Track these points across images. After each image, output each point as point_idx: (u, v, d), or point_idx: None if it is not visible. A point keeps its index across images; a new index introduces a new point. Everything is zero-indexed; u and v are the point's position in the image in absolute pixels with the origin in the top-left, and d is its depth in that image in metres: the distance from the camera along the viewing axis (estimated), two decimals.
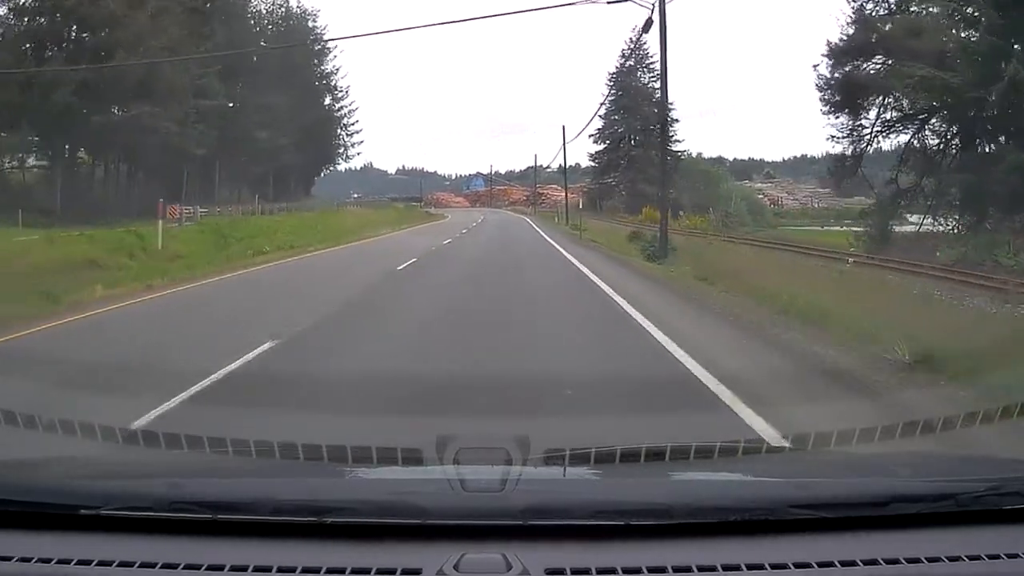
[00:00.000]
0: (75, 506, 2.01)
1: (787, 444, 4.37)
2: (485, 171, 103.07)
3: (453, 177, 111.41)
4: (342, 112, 75.88)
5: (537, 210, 78.89)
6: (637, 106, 70.57)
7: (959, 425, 4.48)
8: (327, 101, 74.32)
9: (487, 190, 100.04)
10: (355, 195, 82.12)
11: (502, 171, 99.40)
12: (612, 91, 71.38)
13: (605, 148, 74.80)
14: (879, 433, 3.98)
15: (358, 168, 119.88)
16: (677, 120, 71.42)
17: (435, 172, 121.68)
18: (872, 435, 3.91)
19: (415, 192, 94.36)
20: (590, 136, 74.59)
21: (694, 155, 74.99)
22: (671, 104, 70.18)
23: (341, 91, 75.64)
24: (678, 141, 71.67)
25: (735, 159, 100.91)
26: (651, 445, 2.78)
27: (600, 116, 70.59)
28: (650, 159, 67.05)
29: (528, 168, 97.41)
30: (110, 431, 3.67)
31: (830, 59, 33.13)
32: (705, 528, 1.97)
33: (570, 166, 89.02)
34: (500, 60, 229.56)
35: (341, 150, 77.13)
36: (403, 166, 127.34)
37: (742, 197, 69.43)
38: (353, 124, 77.51)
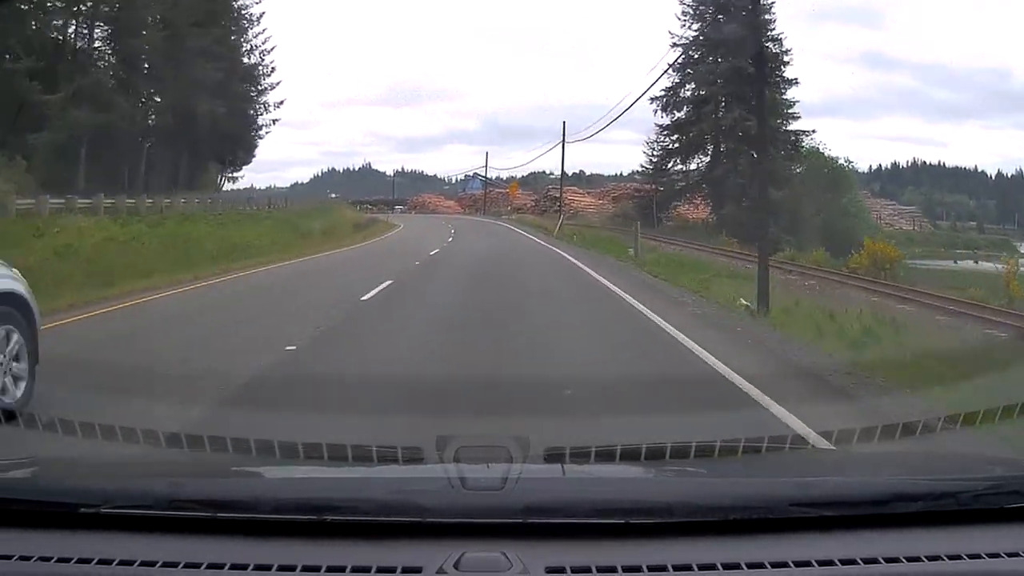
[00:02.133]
0: (75, 504, 2.00)
1: None
2: (484, 173, 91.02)
3: (453, 181, 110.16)
4: (253, 57, 44.60)
5: (562, 224, 43.89)
6: (745, 44, 30.79)
7: (959, 425, 4.49)
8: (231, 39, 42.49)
9: (483, 192, 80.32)
10: (332, 195, 73.64)
11: (504, 176, 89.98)
12: (692, 23, 41.10)
13: (681, 119, 42.31)
14: (879, 433, 3.99)
15: (356, 168, 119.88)
16: (795, 81, 40.65)
17: (435, 175, 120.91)
18: (872, 435, 3.92)
19: (411, 194, 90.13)
20: (652, 100, 42.06)
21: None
22: (787, 50, 40.51)
23: (251, 20, 44.07)
24: (794, 116, 41.04)
25: None
26: (651, 444, 2.78)
27: (672, 70, 39.34)
28: (777, 136, 37.60)
29: (531, 174, 77.34)
30: (110, 430, 3.67)
31: None
32: (705, 526, 1.97)
33: (585, 173, 66.71)
34: (503, 60, 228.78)
35: (248, 121, 44.73)
36: (402, 168, 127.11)
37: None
38: (268, 75, 45.13)
